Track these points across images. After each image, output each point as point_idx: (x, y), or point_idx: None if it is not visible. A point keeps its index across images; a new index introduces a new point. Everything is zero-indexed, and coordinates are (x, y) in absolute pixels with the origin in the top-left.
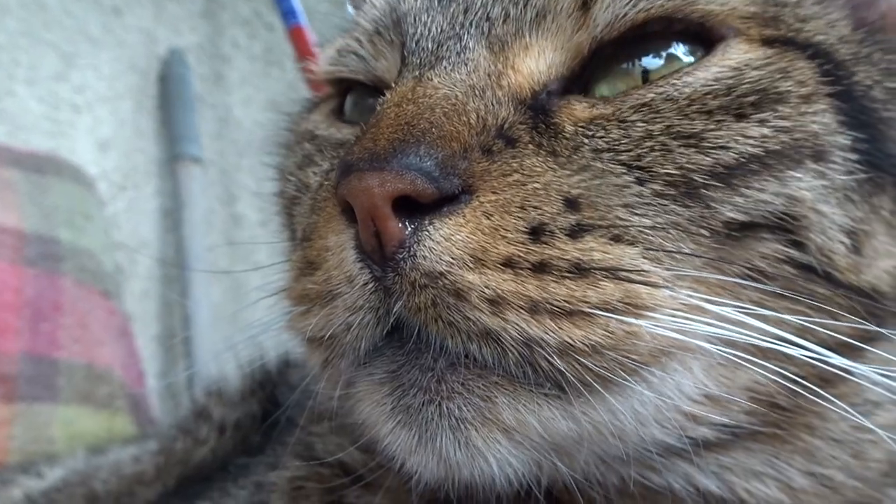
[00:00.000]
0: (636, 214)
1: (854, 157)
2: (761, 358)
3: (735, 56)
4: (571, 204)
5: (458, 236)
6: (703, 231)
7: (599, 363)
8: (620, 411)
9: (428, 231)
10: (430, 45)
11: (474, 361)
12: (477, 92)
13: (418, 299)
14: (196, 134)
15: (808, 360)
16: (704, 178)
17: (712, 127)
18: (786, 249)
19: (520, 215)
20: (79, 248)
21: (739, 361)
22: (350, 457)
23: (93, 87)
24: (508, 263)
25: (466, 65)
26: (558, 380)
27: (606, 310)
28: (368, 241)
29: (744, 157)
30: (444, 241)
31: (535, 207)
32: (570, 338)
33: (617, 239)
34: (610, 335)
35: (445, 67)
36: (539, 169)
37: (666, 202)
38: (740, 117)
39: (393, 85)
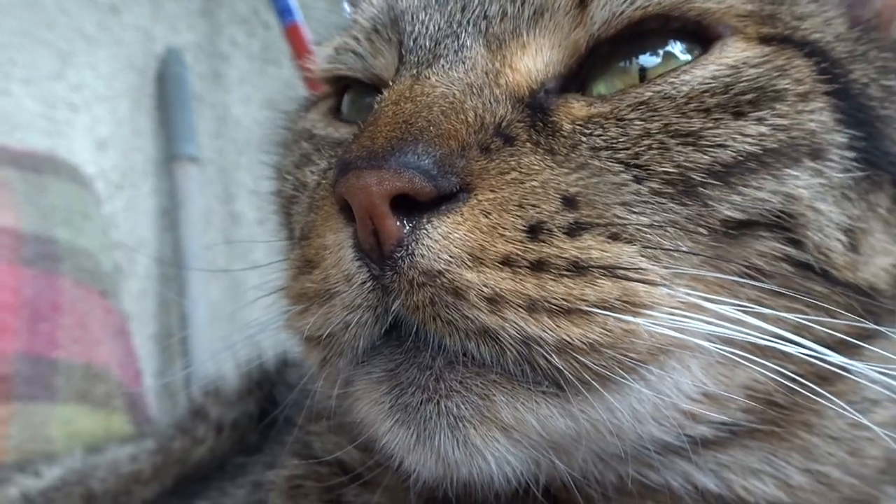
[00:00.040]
0: (634, 213)
1: (851, 154)
2: (759, 356)
3: (732, 54)
4: (569, 202)
5: (456, 235)
6: (700, 229)
7: (598, 361)
8: (618, 409)
9: (426, 229)
10: (427, 44)
11: (472, 360)
12: (475, 90)
13: (416, 298)
14: (194, 133)
15: (806, 358)
16: (702, 177)
17: (710, 125)
18: (783, 247)
19: (518, 214)
20: (76, 247)
21: (737, 359)
22: (348, 455)
23: (90, 86)
24: (506, 262)
25: (464, 63)
26: (556, 378)
27: (604, 308)
28: (367, 240)
29: (742, 156)
30: (443, 240)
31: (533, 206)
32: (569, 336)
33: (615, 237)
34: (608, 333)
35: (443, 66)
36: (537, 167)
37: (664, 200)
38: (738, 115)
39: (391, 83)
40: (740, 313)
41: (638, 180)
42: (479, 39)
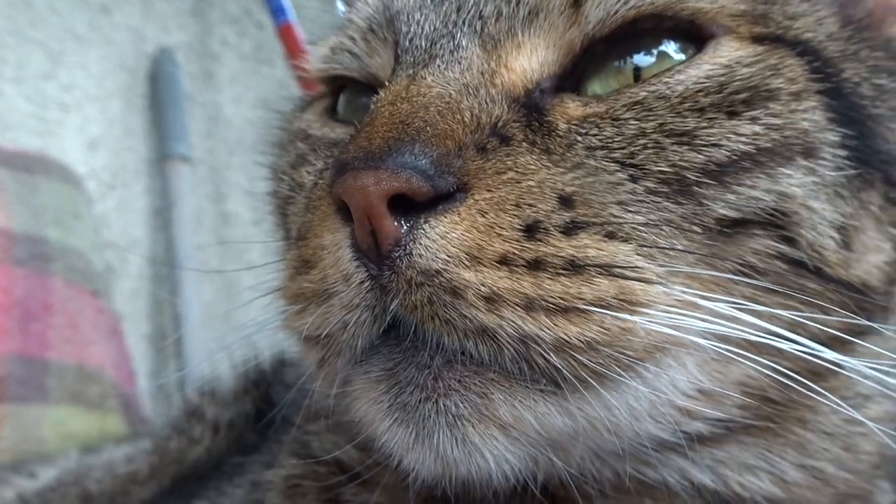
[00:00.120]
0: (630, 211)
1: (843, 153)
2: (754, 353)
3: (726, 54)
4: (565, 201)
5: (453, 234)
6: (695, 228)
7: (594, 359)
8: (615, 406)
9: (423, 229)
10: (423, 44)
11: (471, 358)
12: (471, 90)
13: (414, 297)
14: (185, 132)
15: (800, 355)
16: (697, 176)
17: (704, 125)
18: (777, 245)
19: (514, 213)
20: (68, 247)
21: (732, 356)
22: (347, 455)
23: (81, 85)
24: (504, 261)
25: (460, 63)
26: (554, 376)
27: (601, 306)
28: (364, 240)
29: (736, 155)
30: (440, 239)
31: (530, 205)
32: (566, 334)
33: (611, 236)
34: (605, 331)
35: (439, 66)
36: (533, 167)
37: (659, 199)
38: (732, 115)
39: (387, 83)
40: (735, 310)
41: (633, 179)
42: (474, 39)
